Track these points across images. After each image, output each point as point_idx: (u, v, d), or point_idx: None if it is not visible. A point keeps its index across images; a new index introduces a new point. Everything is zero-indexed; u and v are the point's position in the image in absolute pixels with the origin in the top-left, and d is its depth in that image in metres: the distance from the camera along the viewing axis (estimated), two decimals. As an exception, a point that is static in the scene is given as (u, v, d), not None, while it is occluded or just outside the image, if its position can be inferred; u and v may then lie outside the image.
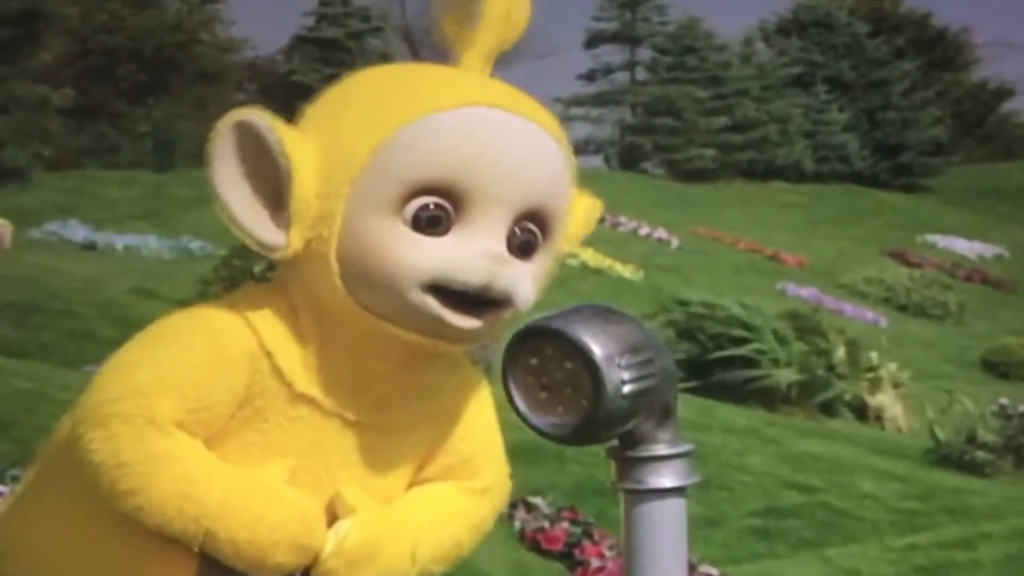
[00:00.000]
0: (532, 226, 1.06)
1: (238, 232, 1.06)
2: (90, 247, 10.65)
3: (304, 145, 1.05)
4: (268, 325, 1.07)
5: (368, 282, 1.04)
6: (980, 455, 6.28)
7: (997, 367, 11.44)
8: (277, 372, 1.06)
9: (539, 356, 0.90)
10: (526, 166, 1.05)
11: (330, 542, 1.04)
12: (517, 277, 1.04)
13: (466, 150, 1.03)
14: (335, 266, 1.05)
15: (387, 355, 1.07)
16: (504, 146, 1.04)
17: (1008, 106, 31.82)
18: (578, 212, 1.13)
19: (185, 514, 1.01)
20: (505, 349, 0.92)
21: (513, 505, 4.29)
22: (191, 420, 1.04)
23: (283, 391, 1.06)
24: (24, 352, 5.76)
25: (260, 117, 1.05)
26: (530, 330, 0.91)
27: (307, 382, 1.06)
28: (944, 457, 6.35)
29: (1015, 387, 10.45)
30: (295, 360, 1.06)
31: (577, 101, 26.01)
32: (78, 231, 11.28)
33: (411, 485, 1.13)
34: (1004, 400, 6.88)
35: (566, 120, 25.94)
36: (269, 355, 1.06)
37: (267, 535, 1.02)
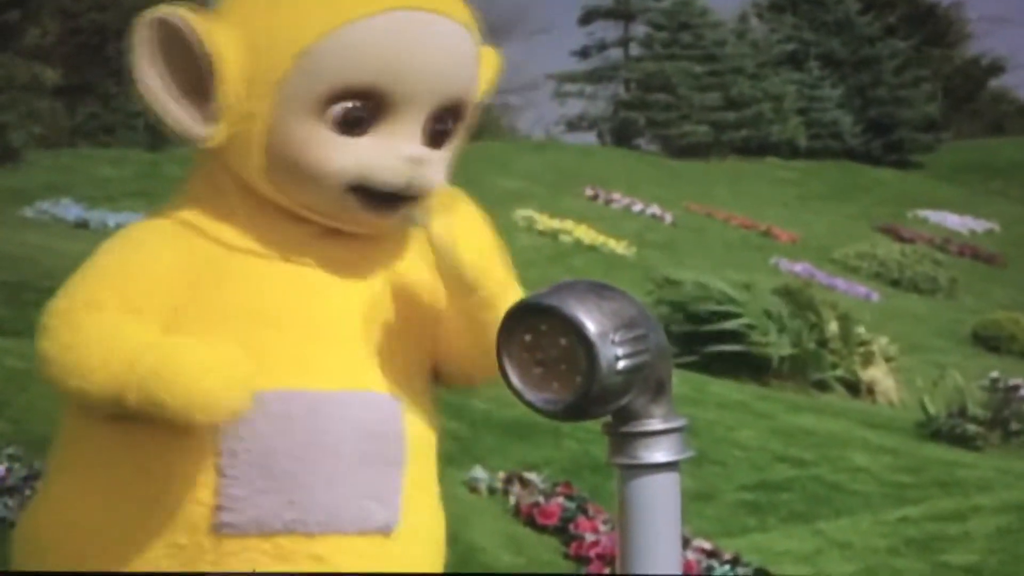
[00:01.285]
0: (448, 116, 1.10)
1: (167, 124, 1.10)
2: (83, 225, 10.60)
3: (227, 40, 1.08)
4: (189, 207, 1.12)
5: (294, 180, 1.08)
6: (971, 428, 6.32)
7: (988, 341, 11.50)
8: (215, 240, 1.10)
9: (533, 332, 0.90)
10: (443, 65, 1.08)
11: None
12: (433, 172, 1.09)
13: (386, 55, 1.05)
14: (261, 161, 1.08)
15: (311, 225, 1.11)
16: (421, 49, 1.07)
17: (999, 82, 31.84)
18: (485, 69, 1.16)
19: (120, 367, 1.02)
20: (500, 326, 0.93)
21: (508, 480, 4.32)
22: (131, 298, 1.07)
23: (230, 255, 1.10)
24: (16, 331, 5.76)
25: (180, 14, 1.08)
26: (524, 307, 0.91)
27: (247, 240, 1.11)
28: (935, 431, 6.39)
29: (1005, 361, 10.52)
30: (226, 225, 1.11)
31: (571, 77, 25.94)
32: (70, 210, 11.23)
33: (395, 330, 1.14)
34: (994, 374, 6.91)
35: (560, 96, 25.94)
36: (199, 229, 1.10)
37: (198, 364, 1.02)
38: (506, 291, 1.10)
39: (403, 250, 1.16)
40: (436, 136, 1.10)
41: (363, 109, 1.06)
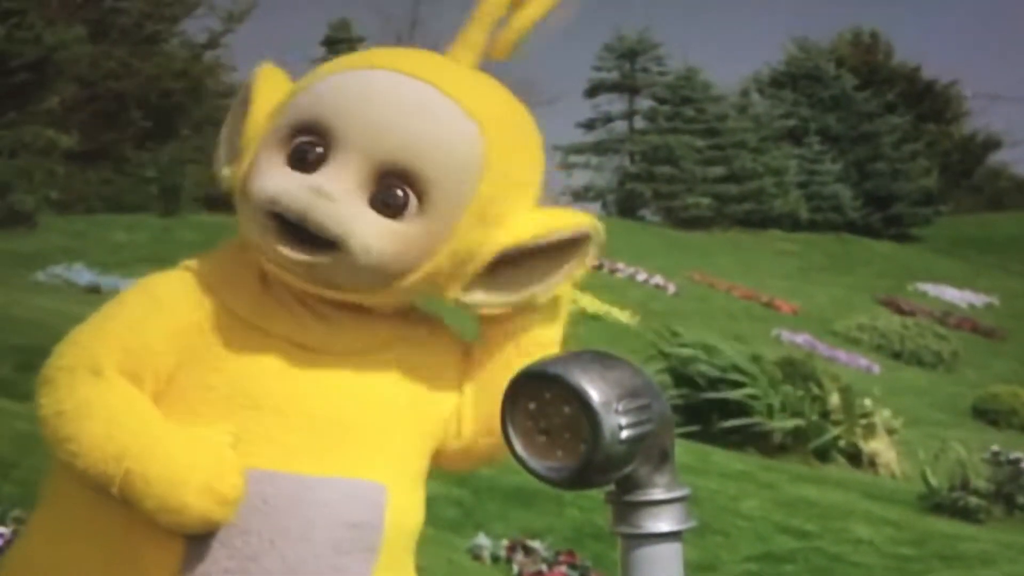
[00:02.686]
0: (402, 184, 1.06)
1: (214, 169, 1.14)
2: (95, 290, 10.63)
3: (272, 94, 1.12)
4: (212, 266, 1.12)
5: (242, 208, 1.10)
6: (973, 501, 6.32)
7: (987, 415, 11.52)
8: (223, 305, 1.09)
9: (537, 400, 0.90)
10: (395, 120, 1.06)
11: None
12: (344, 217, 1.04)
13: (341, 97, 1.08)
14: (239, 198, 1.10)
15: (297, 289, 1.09)
16: (377, 99, 1.07)
17: (996, 157, 32.22)
18: (526, 223, 1.11)
19: (107, 454, 1.03)
20: (504, 393, 0.93)
21: (511, 548, 4.31)
22: (131, 361, 1.06)
23: (234, 324, 1.09)
24: (26, 394, 5.77)
25: (259, 70, 1.14)
26: (529, 374, 0.91)
27: (254, 311, 1.09)
28: (937, 503, 6.40)
29: (1006, 435, 10.53)
30: (239, 293, 1.10)
31: (577, 149, 26.28)
32: (83, 274, 11.28)
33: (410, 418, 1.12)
34: (995, 447, 6.93)
35: (566, 167, 26.25)
36: (212, 290, 1.10)
37: (180, 472, 1.02)
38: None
39: (418, 336, 1.14)
40: (384, 201, 1.06)
41: (313, 145, 1.07)
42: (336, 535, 1.07)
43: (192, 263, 1.13)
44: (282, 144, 1.09)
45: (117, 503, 1.06)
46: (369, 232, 1.05)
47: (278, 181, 1.07)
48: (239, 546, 1.06)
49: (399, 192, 1.07)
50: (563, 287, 1.15)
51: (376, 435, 1.11)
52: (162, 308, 1.10)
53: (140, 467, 1.03)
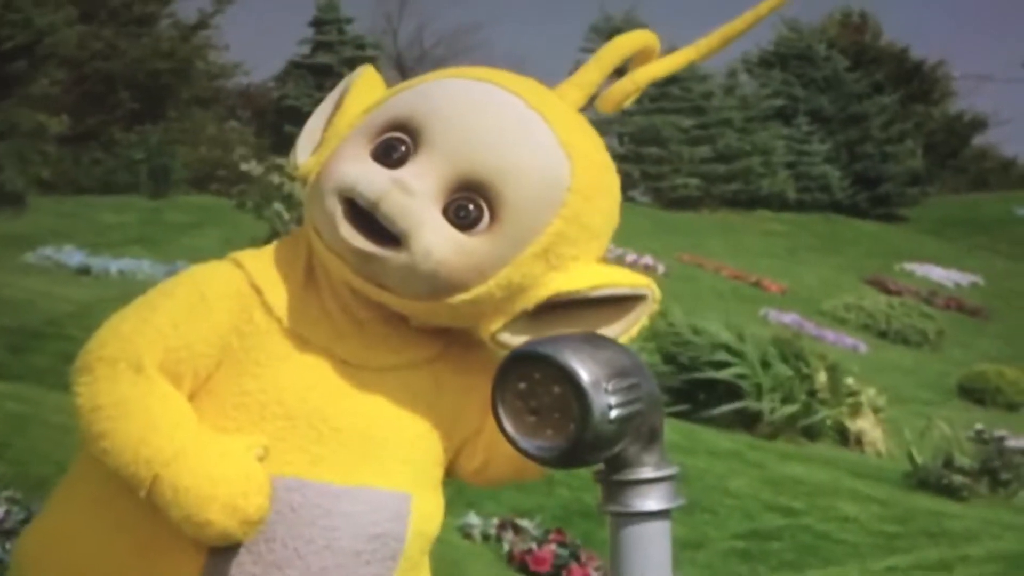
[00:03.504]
0: (478, 199, 1.04)
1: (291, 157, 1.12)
2: (84, 271, 10.63)
3: (369, 95, 1.12)
4: (261, 264, 1.10)
5: (313, 190, 1.08)
6: (957, 479, 6.38)
7: (973, 393, 11.62)
8: (267, 308, 1.08)
9: (528, 380, 0.90)
10: (489, 133, 1.05)
11: None
12: (416, 214, 1.03)
13: (440, 99, 1.07)
14: (312, 185, 1.08)
15: (343, 291, 1.08)
16: (476, 108, 1.06)
17: (982, 138, 32.32)
18: (585, 272, 1.07)
19: (140, 457, 1.03)
20: (495, 373, 0.92)
21: (501, 527, 4.35)
22: (172, 360, 1.06)
23: (274, 327, 1.08)
24: (18, 375, 5.77)
25: (361, 69, 1.14)
26: (519, 355, 0.91)
27: (296, 318, 1.08)
28: (922, 481, 6.46)
29: (990, 413, 10.62)
30: (284, 296, 1.08)
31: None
32: (73, 256, 11.26)
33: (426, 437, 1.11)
34: (980, 426, 6.98)
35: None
36: (259, 291, 1.08)
37: (207, 487, 1.02)
38: None
39: (454, 354, 1.13)
40: (458, 212, 1.05)
41: (400, 142, 1.06)
42: (360, 546, 1.08)
43: (241, 257, 1.11)
44: (370, 138, 1.08)
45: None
46: (434, 237, 1.03)
47: (360, 168, 1.06)
48: (264, 552, 1.06)
49: (474, 206, 1.05)
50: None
51: (404, 448, 1.11)
52: (208, 308, 1.08)
53: (170, 475, 1.03)
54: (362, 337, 1.10)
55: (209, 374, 1.08)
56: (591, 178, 1.10)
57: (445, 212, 1.05)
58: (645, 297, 1.11)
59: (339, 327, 1.09)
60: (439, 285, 1.06)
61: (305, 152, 1.12)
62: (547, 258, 1.08)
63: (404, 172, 1.05)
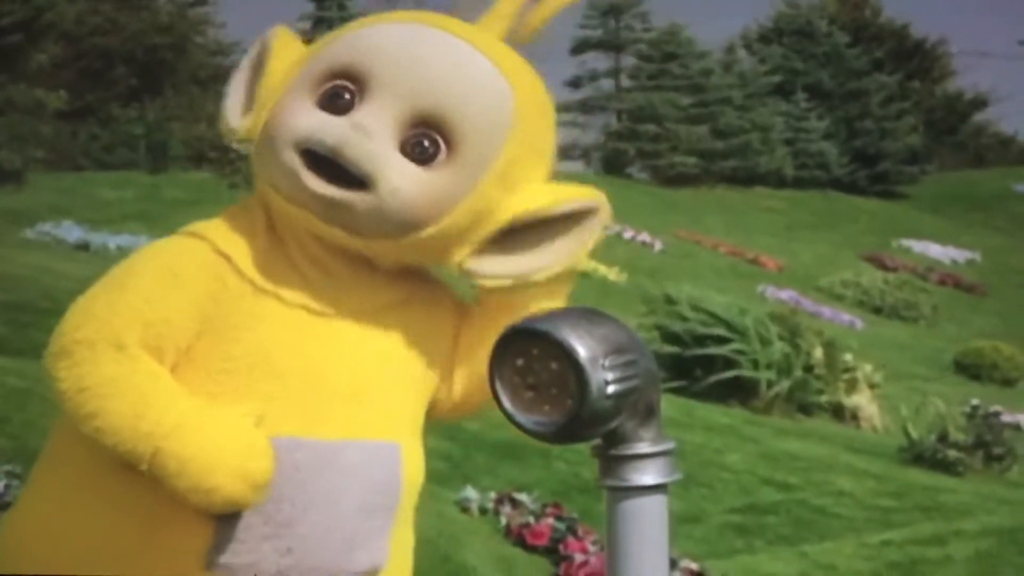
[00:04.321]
0: (433, 134, 1.07)
1: (221, 123, 1.13)
2: (83, 247, 10.62)
3: (289, 49, 1.14)
4: (221, 232, 1.11)
5: (266, 149, 1.09)
6: (952, 454, 6.42)
7: (968, 369, 11.66)
8: (238, 272, 1.09)
9: (525, 356, 0.91)
10: (426, 66, 1.08)
11: None
12: (379, 155, 1.05)
13: (382, 43, 1.10)
14: (260, 142, 1.09)
15: (309, 242, 1.10)
16: (420, 47, 1.09)
17: (981, 115, 32.22)
18: (538, 192, 1.11)
19: (138, 432, 1.03)
20: (493, 349, 0.93)
21: (499, 501, 4.36)
22: (152, 335, 1.06)
23: (247, 290, 1.09)
24: (17, 350, 5.78)
25: (275, 31, 1.15)
26: (517, 331, 0.91)
27: (268, 277, 1.09)
28: (917, 456, 6.49)
29: (986, 388, 10.67)
30: (252, 258, 1.10)
31: (563, 107, 26.14)
32: (72, 231, 11.25)
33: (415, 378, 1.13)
34: (975, 401, 7.02)
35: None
36: (227, 257, 1.09)
37: (211, 455, 1.02)
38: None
39: (422, 297, 1.16)
40: (415, 148, 1.07)
41: (345, 89, 1.08)
42: (363, 498, 1.10)
43: (199, 228, 1.12)
44: (311, 89, 1.09)
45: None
46: (399, 176, 1.06)
47: (310, 119, 1.07)
48: (272, 513, 1.07)
49: (430, 141, 1.07)
50: (567, 263, 1.16)
51: (387, 395, 1.13)
52: (181, 281, 1.09)
53: (172, 447, 1.03)
54: (333, 286, 1.11)
55: (190, 346, 1.08)
56: (531, 101, 1.14)
57: (403, 150, 1.07)
58: (596, 210, 1.14)
59: (309, 280, 1.11)
60: (408, 221, 1.08)
61: (236, 116, 1.14)
62: (504, 182, 1.11)
63: (358, 116, 1.07)
